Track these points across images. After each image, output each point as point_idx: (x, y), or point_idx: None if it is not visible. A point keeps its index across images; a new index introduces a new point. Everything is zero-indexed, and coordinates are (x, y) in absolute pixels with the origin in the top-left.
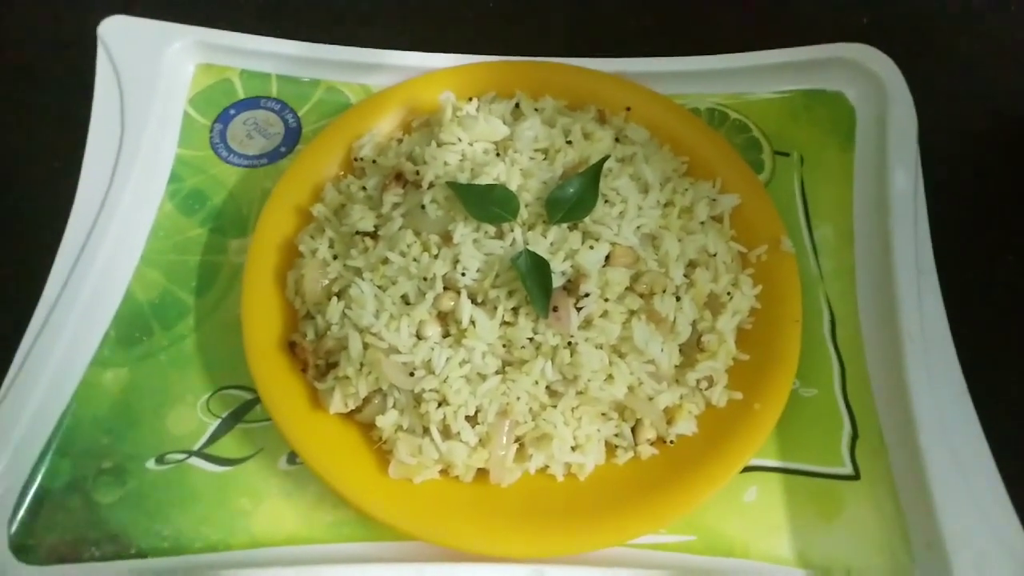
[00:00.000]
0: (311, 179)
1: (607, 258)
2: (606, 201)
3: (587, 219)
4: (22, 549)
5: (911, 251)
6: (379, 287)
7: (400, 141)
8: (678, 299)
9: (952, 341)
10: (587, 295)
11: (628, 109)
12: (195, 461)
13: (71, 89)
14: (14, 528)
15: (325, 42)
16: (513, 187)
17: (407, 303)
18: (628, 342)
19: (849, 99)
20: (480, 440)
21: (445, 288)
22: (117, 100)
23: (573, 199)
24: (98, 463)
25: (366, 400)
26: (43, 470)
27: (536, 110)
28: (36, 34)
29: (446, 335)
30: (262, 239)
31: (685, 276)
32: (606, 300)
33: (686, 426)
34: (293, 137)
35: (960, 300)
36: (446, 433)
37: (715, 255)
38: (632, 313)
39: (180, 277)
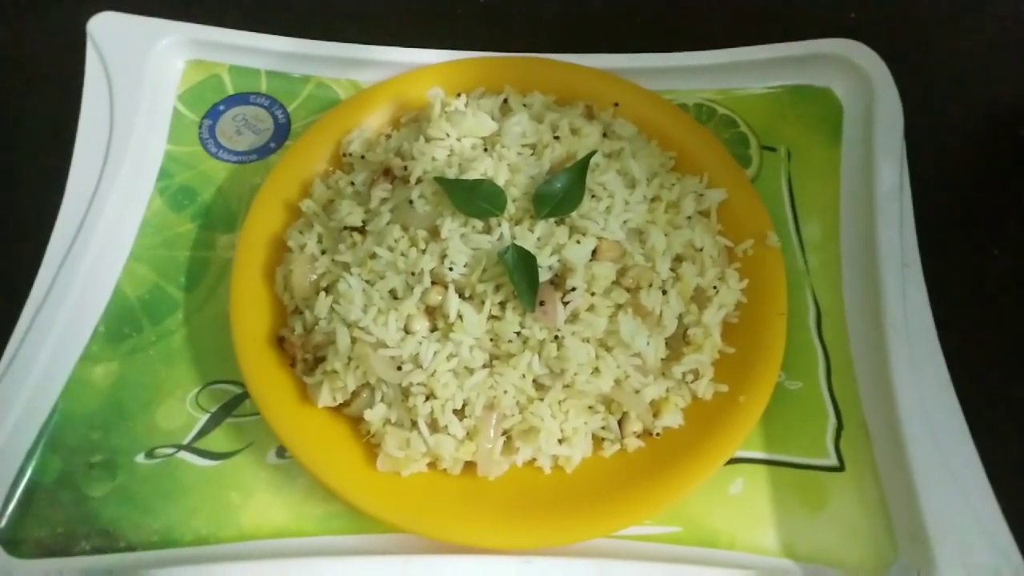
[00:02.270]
0: (300, 175)
1: (594, 252)
2: (593, 196)
3: (574, 214)
4: (12, 543)
5: (896, 245)
6: (367, 282)
7: (389, 137)
8: (664, 293)
9: (936, 334)
10: (574, 289)
11: (616, 104)
12: (184, 455)
13: (60, 85)
14: (4, 522)
15: (314, 38)
16: (501, 182)
17: (395, 298)
18: (614, 336)
19: (836, 94)
20: (468, 433)
21: (433, 283)
22: (106, 96)
23: (560, 194)
24: (88, 458)
25: (354, 394)
26: (33, 465)
27: (524, 106)
28: (25, 30)
29: (434, 329)
30: (251, 234)
31: (671, 270)
32: (592, 294)
33: (672, 419)
34: (282, 133)
35: (944, 293)
36: (434, 426)
37: (701, 249)
38: (619, 307)
39: (169, 273)
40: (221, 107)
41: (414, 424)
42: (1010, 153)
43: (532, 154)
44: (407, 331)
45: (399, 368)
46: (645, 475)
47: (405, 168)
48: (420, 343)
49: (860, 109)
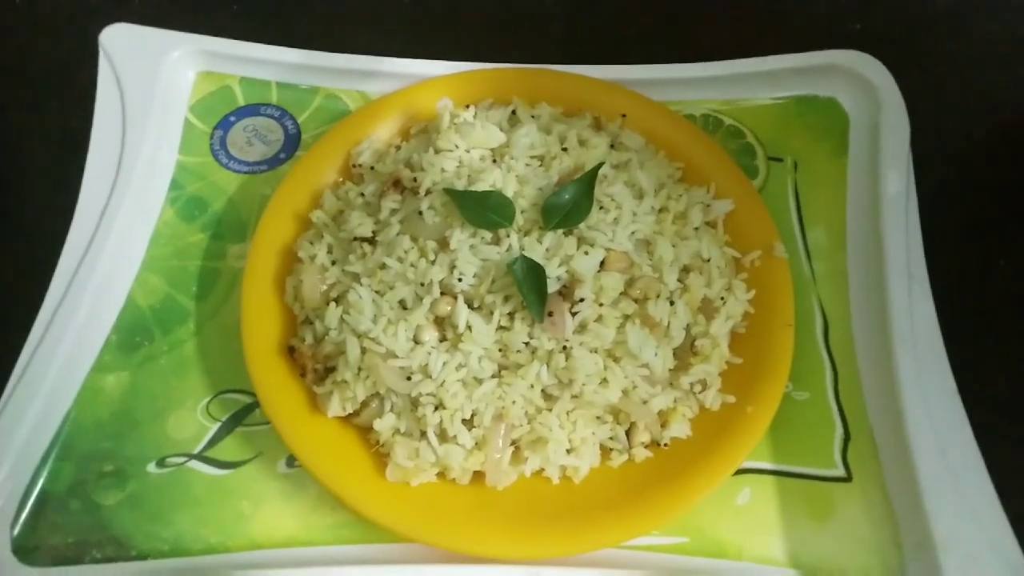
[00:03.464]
0: (310, 185)
1: (602, 263)
2: (601, 207)
3: (582, 225)
4: (25, 551)
5: (903, 255)
6: (377, 292)
7: (398, 148)
8: (672, 304)
9: (943, 343)
10: (582, 300)
11: (623, 116)
12: (195, 464)
13: (73, 96)
14: (17, 531)
15: (324, 50)
16: (509, 193)
17: (404, 308)
18: (622, 346)
19: (842, 105)
20: (476, 443)
21: (442, 293)
22: (118, 107)
23: (568, 205)
24: (99, 466)
25: (364, 404)
26: (45, 473)
27: (532, 117)
28: (38, 42)
29: (443, 340)
30: (261, 245)
31: (679, 281)
32: (601, 305)
33: (680, 429)
34: (292, 144)
35: (951, 303)
36: (443, 436)
37: (709, 260)
38: (627, 318)
39: (180, 282)
40: (232, 118)
41: (423, 434)
42: (1016, 163)
43: (540, 165)
44: (416, 341)
45: (408, 378)
46: (653, 485)
47: (414, 179)
48: (429, 353)
49: (866, 119)
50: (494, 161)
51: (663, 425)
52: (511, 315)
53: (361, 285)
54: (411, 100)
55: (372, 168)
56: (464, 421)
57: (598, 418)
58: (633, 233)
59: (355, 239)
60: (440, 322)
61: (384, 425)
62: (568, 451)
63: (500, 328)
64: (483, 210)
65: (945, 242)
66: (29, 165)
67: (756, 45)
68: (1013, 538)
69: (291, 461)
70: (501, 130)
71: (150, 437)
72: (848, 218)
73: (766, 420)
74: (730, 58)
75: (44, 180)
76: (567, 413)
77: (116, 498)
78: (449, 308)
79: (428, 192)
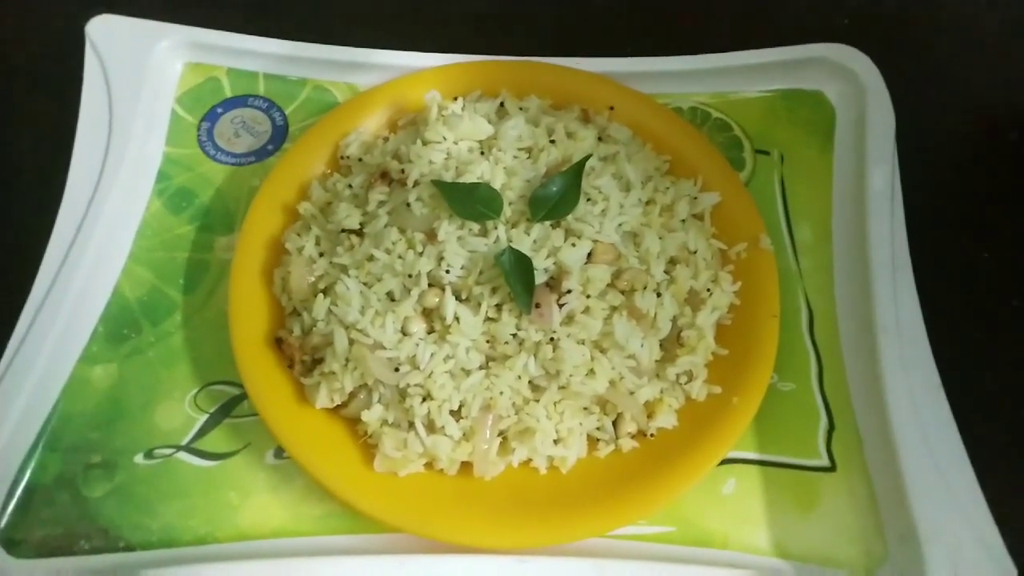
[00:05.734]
0: (298, 177)
1: (589, 255)
2: (588, 199)
3: (569, 217)
4: (12, 543)
5: (888, 248)
6: (365, 284)
7: (386, 140)
8: (659, 295)
9: (927, 336)
10: (569, 292)
11: (611, 108)
12: (183, 456)
13: (59, 88)
14: (4, 522)
15: (312, 41)
16: (497, 185)
17: (392, 300)
18: (609, 338)
19: (829, 98)
20: (464, 434)
21: (430, 285)
22: (105, 99)
23: (556, 197)
24: (87, 458)
25: (352, 395)
26: (32, 465)
27: (520, 109)
28: (24, 33)
29: (431, 331)
30: (249, 236)
31: (666, 273)
32: (588, 296)
33: (666, 420)
34: (280, 135)
35: (936, 296)
36: (431, 427)
37: (695, 252)
38: (613, 309)
39: (168, 274)
40: (219, 109)
41: (411, 425)
42: (1001, 157)
43: (528, 157)
44: (404, 333)
45: (396, 369)
46: (639, 475)
47: (402, 171)
48: (417, 345)
49: (852, 113)
50: (482, 153)
51: (649, 416)
52: (499, 307)
53: (349, 277)
54: (399, 92)
55: (360, 160)
56: (452, 412)
57: (585, 409)
58: (620, 225)
59: (343, 231)
60: (428, 314)
61: (372, 416)
62: (555, 442)
63: (488, 319)
64: (471, 202)
65: (930, 235)
66: (15, 156)
67: (744, 38)
68: (995, 527)
69: (279, 452)
70: (489, 122)
71: (138, 428)
72: (834, 210)
73: (751, 411)
74: (718, 51)
75: (30, 171)
76: (554, 404)
77: (104, 489)
78: (437, 300)
79: (416, 184)
